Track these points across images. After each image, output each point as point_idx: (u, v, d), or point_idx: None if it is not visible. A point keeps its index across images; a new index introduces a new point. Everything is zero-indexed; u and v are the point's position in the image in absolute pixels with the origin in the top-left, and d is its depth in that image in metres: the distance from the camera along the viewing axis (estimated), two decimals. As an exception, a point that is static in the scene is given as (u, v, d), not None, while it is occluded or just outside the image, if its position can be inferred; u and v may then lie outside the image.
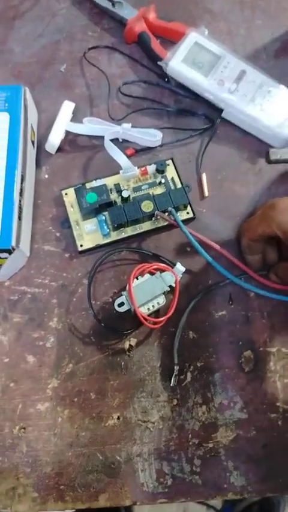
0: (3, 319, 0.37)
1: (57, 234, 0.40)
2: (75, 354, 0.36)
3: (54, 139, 0.41)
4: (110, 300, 0.38)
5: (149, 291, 0.35)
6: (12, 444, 0.34)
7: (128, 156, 0.41)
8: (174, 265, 0.37)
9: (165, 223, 0.39)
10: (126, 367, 0.36)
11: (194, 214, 0.40)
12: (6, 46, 0.47)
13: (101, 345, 0.36)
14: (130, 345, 0.36)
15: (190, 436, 0.34)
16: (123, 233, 0.39)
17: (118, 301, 0.35)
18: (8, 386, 0.35)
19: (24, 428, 0.34)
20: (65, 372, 0.36)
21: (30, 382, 0.35)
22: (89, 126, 0.42)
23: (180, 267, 0.37)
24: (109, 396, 0.35)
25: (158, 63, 0.44)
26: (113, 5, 0.48)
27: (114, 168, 0.41)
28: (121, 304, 0.35)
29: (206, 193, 0.41)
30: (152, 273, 0.36)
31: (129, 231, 0.39)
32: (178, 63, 0.43)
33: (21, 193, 0.37)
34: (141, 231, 0.39)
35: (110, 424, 0.34)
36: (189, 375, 0.35)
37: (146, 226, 0.39)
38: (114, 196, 0.40)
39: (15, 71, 0.46)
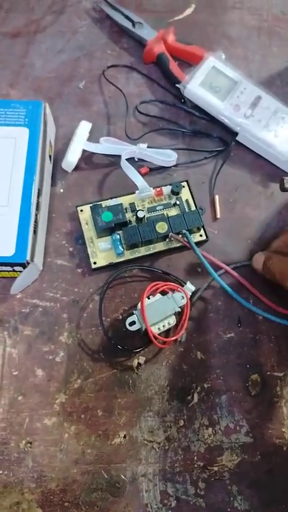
0: (14, 331, 0.37)
1: (71, 249, 0.40)
2: (84, 369, 0.36)
3: (72, 159, 0.41)
4: (120, 317, 0.38)
5: (160, 311, 0.35)
6: (18, 458, 0.34)
7: (143, 175, 0.42)
8: (185, 284, 0.38)
9: (178, 245, 0.40)
10: (134, 385, 0.36)
11: (207, 237, 0.40)
12: (27, 60, 0.48)
13: (109, 362, 0.37)
14: (139, 363, 0.37)
15: (195, 458, 0.34)
16: (136, 252, 0.39)
17: (129, 319, 0.35)
18: (16, 399, 0.35)
19: (30, 443, 0.34)
20: (73, 388, 0.36)
21: (38, 396, 0.35)
22: (106, 146, 0.43)
23: (190, 286, 0.37)
24: (116, 414, 0.35)
25: (176, 85, 0.45)
26: (133, 25, 0.49)
27: (129, 187, 0.42)
28: (132, 323, 0.35)
29: (218, 215, 0.42)
30: (163, 293, 0.36)
31: (142, 251, 0.39)
32: (196, 86, 0.44)
33: (37, 208, 0.38)
34: (154, 251, 0.40)
35: (116, 443, 0.34)
36: (196, 396, 0.36)
37: (159, 246, 0.40)
38: (129, 215, 0.40)
39: (34, 85, 0.47)
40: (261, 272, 0.38)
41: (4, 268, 0.36)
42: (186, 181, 0.42)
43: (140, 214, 0.39)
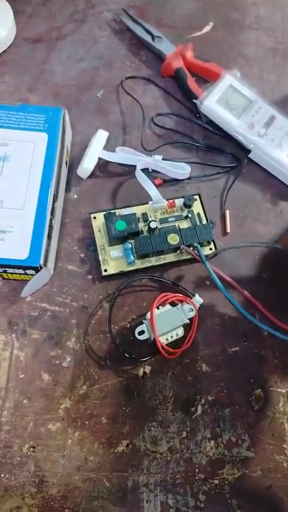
0: (22, 334, 0.37)
1: (82, 255, 0.41)
2: (90, 376, 0.37)
3: (88, 166, 0.42)
4: (128, 325, 0.38)
5: (169, 322, 0.36)
6: (20, 462, 0.34)
7: (156, 186, 0.43)
8: (193, 296, 0.38)
9: (189, 257, 0.40)
10: (139, 394, 0.36)
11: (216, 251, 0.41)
12: (48, 66, 0.49)
13: (116, 370, 0.37)
14: (144, 372, 0.37)
15: (197, 470, 0.34)
16: (147, 262, 0.40)
17: (139, 329, 0.36)
18: (21, 402, 0.35)
19: (33, 447, 0.34)
20: (78, 394, 0.36)
21: (43, 400, 0.35)
22: (121, 155, 0.43)
23: (198, 299, 0.38)
24: (120, 422, 0.35)
25: (194, 100, 0.46)
26: (153, 39, 0.50)
27: (142, 197, 0.43)
28: (141, 332, 0.36)
29: (228, 230, 0.43)
30: (172, 304, 0.37)
31: (153, 261, 0.40)
32: (213, 103, 0.45)
33: (52, 213, 0.38)
34: (165, 262, 0.40)
35: (119, 451, 0.35)
36: (199, 408, 0.36)
37: (170, 257, 0.40)
38: (141, 225, 0.41)
39: (54, 91, 0.48)
40: None
41: (17, 271, 0.37)
42: (199, 195, 0.43)
43: (153, 225, 0.40)
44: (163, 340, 0.35)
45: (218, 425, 0.36)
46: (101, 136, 0.43)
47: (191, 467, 0.35)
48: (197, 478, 0.34)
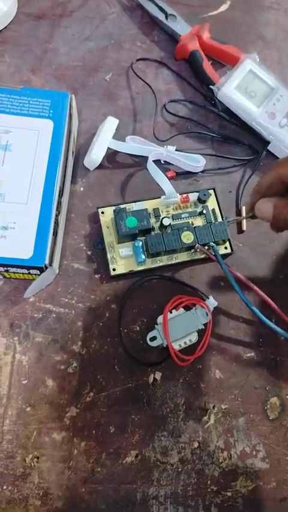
0: (25, 337, 0.35)
1: (89, 253, 0.38)
2: (97, 382, 0.35)
3: (96, 156, 0.39)
4: (138, 328, 0.36)
5: (183, 327, 0.34)
6: (23, 474, 0.32)
7: (169, 179, 0.40)
8: (207, 298, 0.36)
9: (202, 256, 0.38)
10: (148, 401, 0.34)
11: (232, 250, 0.38)
12: (51, 45, 0.45)
13: (124, 376, 0.35)
14: (155, 378, 0.35)
15: (209, 482, 0.33)
16: (158, 261, 0.37)
17: (151, 334, 0.34)
18: (24, 410, 0.33)
19: (37, 457, 0.32)
20: (85, 401, 0.34)
21: (47, 408, 0.34)
22: (132, 145, 0.40)
23: (212, 301, 0.36)
24: (129, 431, 0.34)
25: (210, 86, 0.42)
26: (166, 17, 0.46)
27: (153, 191, 0.40)
28: (153, 338, 0.33)
29: (244, 228, 0.40)
30: (186, 307, 0.35)
31: (164, 260, 0.37)
32: (231, 90, 0.41)
33: (58, 208, 0.36)
34: (177, 261, 0.38)
35: (128, 462, 0.33)
36: (212, 417, 0.34)
37: (182, 257, 0.38)
38: (152, 221, 0.38)
39: (58, 73, 0.44)
40: (273, 222, 0.32)
41: (19, 270, 0.34)
42: (213, 190, 0.40)
43: (166, 221, 0.37)
44: (176, 346, 0.33)
45: (232, 435, 0.34)
46: (110, 124, 0.40)
47: (203, 479, 0.33)
48: (209, 490, 0.33)
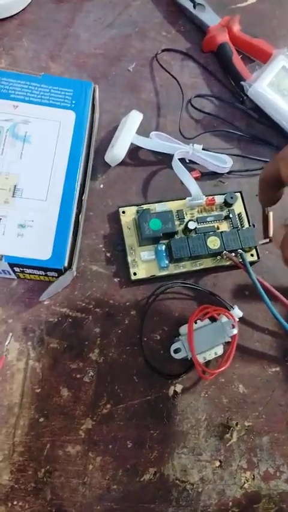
0: (39, 342, 0.33)
1: (108, 255, 0.36)
2: (115, 393, 0.33)
3: (119, 152, 0.36)
4: (158, 337, 0.34)
5: (208, 339, 0.32)
6: (35, 489, 0.30)
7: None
8: (232, 308, 0.34)
9: (228, 263, 0.36)
10: (168, 416, 0.33)
11: (258, 258, 0.36)
12: (72, 30, 0.42)
13: (143, 387, 0.33)
14: (175, 391, 0.33)
15: (230, 504, 0.31)
16: (181, 267, 0.35)
17: (175, 346, 0.32)
18: (37, 421, 0.31)
19: (50, 472, 0.30)
20: (101, 413, 0.32)
21: (62, 419, 0.32)
22: (157, 142, 0.38)
23: (238, 312, 0.34)
24: (147, 447, 0.32)
25: (241, 83, 0.40)
26: (194, 6, 0.43)
27: (177, 191, 0.38)
28: (178, 350, 0.31)
29: (271, 234, 0.38)
30: (211, 318, 0.33)
31: (188, 266, 0.35)
32: (263, 87, 0.39)
33: (79, 206, 0.33)
34: (201, 267, 0.36)
35: (146, 480, 0.31)
36: (235, 434, 0.33)
37: (207, 263, 0.36)
38: (175, 224, 0.36)
39: (78, 61, 0.42)
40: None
41: (36, 272, 0.32)
42: (240, 193, 0.38)
43: (191, 225, 0.35)
44: (200, 359, 0.32)
45: (255, 455, 0.32)
46: (134, 118, 0.38)
47: (224, 500, 0.31)
48: (230, 512, 0.31)
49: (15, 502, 0.30)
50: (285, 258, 0.25)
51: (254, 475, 0.32)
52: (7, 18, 0.42)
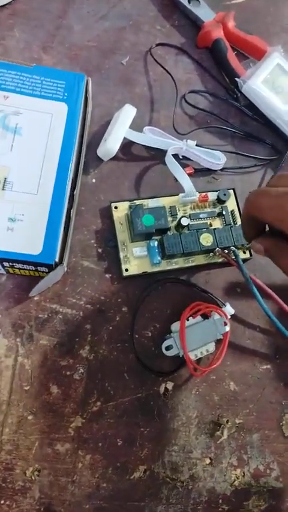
0: (28, 339, 0.32)
1: (99, 251, 0.35)
2: (105, 391, 0.32)
3: (112, 147, 0.36)
4: (150, 334, 0.34)
5: (200, 336, 0.32)
6: (23, 488, 0.30)
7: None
8: (224, 305, 0.34)
9: (220, 260, 0.36)
10: (159, 413, 0.32)
11: (251, 255, 0.36)
12: (65, 21, 0.42)
13: (134, 385, 0.33)
14: (166, 388, 0.33)
15: (220, 501, 0.31)
16: (174, 264, 0.35)
17: (166, 343, 0.31)
18: (25, 418, 0.31)
19: (38, 470, 0.30)
20: (91, 411, 0.32)
21: (51, 417, 0.31)
22: (150, 137, 0.37)
23: (230, 309, 0.34)
24: (137, 445, 0.31)
25: (236, 79, 0.40)
26: (189, 1, 0.43)
27: (169, 187, 0.37)
28: (169, 347, 0.31)
29: (264, 231, 0.38)
30: (204, 315, 0.33)
31: (180, 262, 0.35)
32: (257, 84, 0.39)
33: (70, 200, 0.33)
34: (193, 264, 0.35)
35: (136, 478, 0.31)
36: (226, 432, 0.32)
37: (199, 260, 0.36)
38: (168, 220, 0.36)
39: (71, 53, 0.41)
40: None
41: (26, 267, 0.31)
42: (233, 190, 0.38)
43: (184, 221, 0.35)
44: (192, 356, 0.31)
45: (245, 452, 0.32)
46: (128, 113, 0.37)
47: (214, 497, 0.31)
48: (220, 509, 0.31)
49: (2, 501, 0.29)
50: (283, 266, 0.27)
51: (244, 472, 0.32)
52: (-2, 7, 0.41)
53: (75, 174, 0.33)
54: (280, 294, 0.35)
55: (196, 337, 0.31)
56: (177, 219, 0.35)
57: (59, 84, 0.34)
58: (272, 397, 0.34)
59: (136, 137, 0.37)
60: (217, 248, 0.34)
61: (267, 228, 0.29)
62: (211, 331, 0.32)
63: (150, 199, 0.36)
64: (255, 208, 0.26)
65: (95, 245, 0.36)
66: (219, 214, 0.37)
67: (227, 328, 0.32)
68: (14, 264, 0.31)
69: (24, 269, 0.32)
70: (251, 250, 0.37)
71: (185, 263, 0.35)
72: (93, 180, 0.37)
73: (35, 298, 0.33)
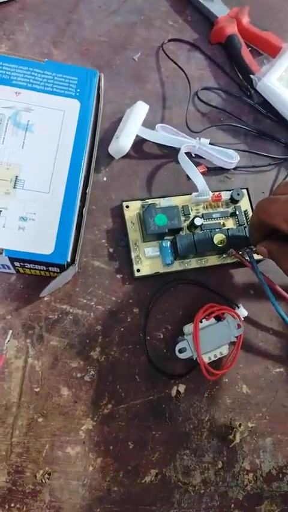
0: (39, 340, 0.32)
1: (111, 250, 0.35)
2: (116, 393, 0.32)
3: (124, 144, 0.35)
4: (162, 336, 0.33)
5: (214, 339, 0.31)
6: (33, 491, 0.29)
7: (200, 174, 0.37)
8: (237, 307, 0.34)
9: (233, 261, 0.35)
10: (171, 416, 0.32)
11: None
12: (76, 16, 0.41)
13: (146, 387, 0.32)
14: (178, 391, 0.32)
15: (233, 506, 0.31)
16: (186, 264, 0.34)
17: (180, 346, 0.31)
18: (35, 421, 0.30)
19: (49, 474, 0.30)
20: (102, 413, 0.31)
21: (61, 419, 0.31)
22: (163, 135, 0.37)
23: (243, 311, 0.33)
24: (149, 449, 0.31)
25: (250, 76, 0.39)
26: (202, -5, 0.42)
27: (182, 186, 0.37)
28: (183, 350, 0.31)
29: (277, 232, 0.38)
30: (217, 317, 0.32)
31: (193, 263, 0.35)
32: (272, 81, 0.38)
33: (82, 199, 0.32)
34: (206, 265, 0.35)
35: (147, 481, 0.30)
36: (238, 436, 0.32)
37: (212, 260, 0.35)
38: (181, 220, 0.35)
39: (81, 48, 0.40)
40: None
41: (37, 267, 0.31)
42: (247, 189, 0.37)
43: (198, 221, 0.34)
44: (205, 359, 0.31)
45: (258, 456, 0.32)
46: (140, 109, 0.36)
47: (226, 502, 0.31)
48: (232, 514, 0.31)
49: (12, 505, 0.29)
50: (285, 268, 0.29)
51: (256, 477, 0.31)
52: (8, 1, 0.40)
53: (87, 172, 0.33)
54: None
55: (210, 339, 0.31)
56: (190, 219, 0.35)
57: (71, 80, 0.34)
58: (285, 401, 0.33)
59: (148, 135, 0.37)
60: (231, 249, 0.33)
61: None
62: (225, 334, 0.31)
63: (162, 199, 0.35)
64: (266, 213, 0.29)
65: (106, 245, 0.35)
66: (233, 214, 0.36)
67: (241, 331, 0.31)
68: (25, 264, 0.30)
69: (35, 269, 0.31)
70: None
71: (198, 264, 0.35)
72: (104, 179, 0.37)
73: (45, 299, 0.33)
